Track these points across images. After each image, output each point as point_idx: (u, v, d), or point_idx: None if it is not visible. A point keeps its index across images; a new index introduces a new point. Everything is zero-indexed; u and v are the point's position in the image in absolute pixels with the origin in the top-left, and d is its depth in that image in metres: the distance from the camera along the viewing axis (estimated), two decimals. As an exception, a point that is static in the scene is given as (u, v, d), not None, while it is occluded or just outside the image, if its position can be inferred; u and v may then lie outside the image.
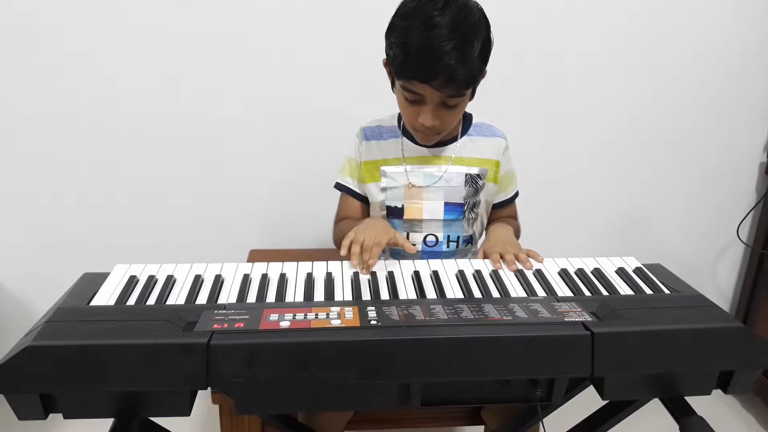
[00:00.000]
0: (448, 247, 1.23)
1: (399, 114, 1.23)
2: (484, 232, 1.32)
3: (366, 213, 1.30)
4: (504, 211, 1.32)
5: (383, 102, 1.13)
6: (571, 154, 1.84)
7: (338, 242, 1.21)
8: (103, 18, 1.56)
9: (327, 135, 1.67)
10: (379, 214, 1.25)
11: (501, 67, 1.17)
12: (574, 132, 1.81)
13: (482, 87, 1.09)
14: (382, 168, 1.22)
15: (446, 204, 1.20)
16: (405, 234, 1.23)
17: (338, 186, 1.29)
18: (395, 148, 1.22)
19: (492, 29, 1.04)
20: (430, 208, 1.20)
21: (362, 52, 1.17)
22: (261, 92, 1.67)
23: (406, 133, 1.21)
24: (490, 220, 1.32)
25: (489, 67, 1.06)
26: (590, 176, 1.87)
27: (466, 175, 1.20)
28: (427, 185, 1.20)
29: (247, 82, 1.65)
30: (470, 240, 1.26)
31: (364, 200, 1.28)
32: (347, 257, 0.99)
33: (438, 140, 1.17)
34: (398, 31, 1.01)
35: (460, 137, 1.21)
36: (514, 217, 1.35)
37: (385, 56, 1.08)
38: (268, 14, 1.59)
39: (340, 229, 1.25)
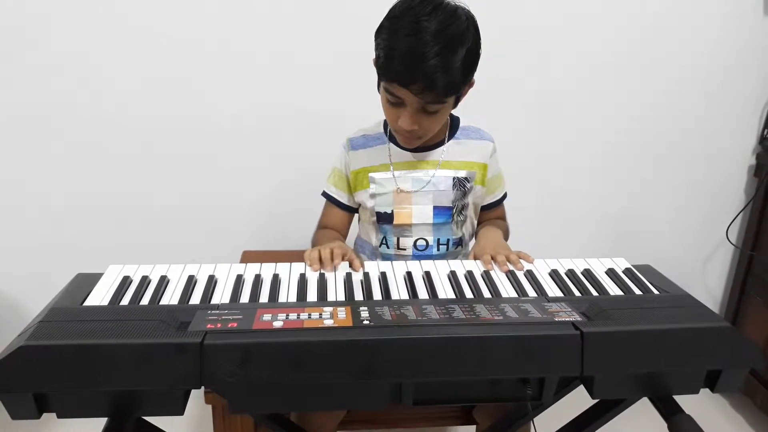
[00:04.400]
0: (438, 250, 1.24)
1: (385, 120, 1.24)
2: (474, 234, 1.33)
3: (348, 223, 1.32)
4: (492, 212, 1.33)
5: (380, 104, 1.14)
6: (562, 156, 1.85)
7: None
8: (100, 18, 1.56)
9: (322, 136, 1.66)
10: (370, 220, 1.26)
11: (499, 67, 1.18)
12: (565, 134, 1.82)
13: (477, 87, 1.09)
14: (371, 174, 1.22)
15: (435, 208, 1.21)
16: (395, 239, 1.24)
17: (323, 194, 1.31)
18: (382, 154, 1.23)
19: (490, 28, 1.04)
20: (419, 213, 1.21)
21: (359, 52, 1.17)
22: (256, 93, 1.67)
23: (392, 138, 1.22)
24: (479, 222, 1.33)
25: (485, 67, 1.06)
26: (581, 178, 1.88)
27: (454, 178, 1.20)
28: (416, 190, 1.20)
29: (242, 83, 1.66)
30: (460, 242, 1.27)
31: (347, 209, 1.29)
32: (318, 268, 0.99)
33: (420, 144, 1.17)
34: (385, 33, 1.01)
35: (447, 141, 1.22)
36: (503, 218, 1.36)
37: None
38: (266, 14, 1.60)
39: (315, 238, 1.28)
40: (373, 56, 1.06)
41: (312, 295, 0.90)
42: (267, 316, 0.76)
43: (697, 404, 0.94)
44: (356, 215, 1.35)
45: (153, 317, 0.75)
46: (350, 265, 1.00)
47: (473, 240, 1.32)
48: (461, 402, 1.15)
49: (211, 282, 0.91)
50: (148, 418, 0.85)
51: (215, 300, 0.87)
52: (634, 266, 1.02)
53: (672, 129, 1.85)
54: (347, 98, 1.66)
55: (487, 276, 0.97)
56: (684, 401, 0.84)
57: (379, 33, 1.03)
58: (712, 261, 2.04)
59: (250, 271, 0.96)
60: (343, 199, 1.28)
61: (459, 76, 1.00)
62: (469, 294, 0.91)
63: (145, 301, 0.86)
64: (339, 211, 1.29)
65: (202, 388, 0.71)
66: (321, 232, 1.29)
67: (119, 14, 1.56)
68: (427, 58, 0.95)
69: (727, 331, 0.78)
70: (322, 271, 0.97)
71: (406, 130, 1.07)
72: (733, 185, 1.94)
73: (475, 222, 1.32)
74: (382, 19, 1.04)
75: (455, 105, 1.10)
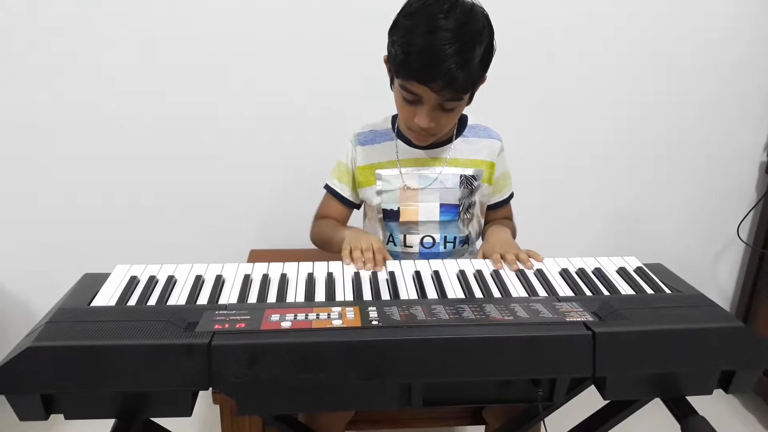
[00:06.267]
0: (445, 248, 1.23)
1: (393, 116, 1.23)
2: (481, 233, 1.32)
3: (346, 218, 1.31)
4: (499, 212, 1.32)
5: (384, 102, 1.13)
6: (571, 154, 1.84)
7: (314, 240, 1.27)
8: (103, 18, 1.56)
9: (328, 135, 1.66)
10: (376, 217, 1.25)
11: (502, 67, 1.17)
12: (574, 132, 1.81)
13: (483, 86, 1.09)
14: (377, 171, 1.22)
15: (442, 205, 1.20)
16: (402, 236, 1.23)
17: (325, 186, 1.30)
18: (390, 151, 1.22)
19: (495, 32, 1.03)
20: (425, 210, 1.20)
21: (363, 52, 1.17)
22: (262, 93, 1.67)
23: (400, 135, 1.21)
24: (486, 222, 1.32)
25: (491, 66, 1.06)
26: (591, 176, 1.87)
27: (461, 176, 1.20)
28: (423, 187, 1.20)
29: (248, 82, 1.65)
30: (466, 240, 1.26)
31: (347, 204, 1.29)
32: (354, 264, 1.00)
33: (432, 141, 1.17)
34: (401, 30, 1.00)
35: (455, 139, 1.21)
36: (510, 218, 1.35)
37: (386, 53, 1.07)
38: (266, 14, 1.59)
39: (317, 227, 1.28)
40: (384, 54, 1.06)
41: (320, 295, 0.89)
42: (275, 317, 0.76)
43: (709, 404, 0.92)
44: (362, 212, 1.34)
45: (160, 318, 0.75)
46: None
47: (480, 239, 1.31)
48: (471, 403, 1.13)
49: (219, 282, 0.91)
50: (155, 419, 0.85)
51: (223, 300, 0.87)
52: (645, 265, 1.01)
53: (682, 127, 1.83)
54: (357, 99, 1.65)
55: (496, 275, 0.96)
56: (695, 400, 0.84)
57: (394, 30, 1.03)
58: (722, 259, 2.02)
59: (258, 270, 0.96)
60: (345, 193, 1.28)
61: (476, 73, 1.01)
62: (478, 294, 0.90)
63: (153, 301, 0.85)
64: (339, 205, 1.29)
65: (210, 388, 0.71)
66: (324, 221, 1.28)
67: (119, 15, 1.55)
68: (447, 56, 0.95)
69: (740, 331, 0.77)
70: (330, 271, 0.96)
71: (423, 127, 1.07)
72: (744, 182, 1.92)
73: (482, 221, 1.31)
74: (390, 17, 1.03)
75: (469, 101, 1.10)
